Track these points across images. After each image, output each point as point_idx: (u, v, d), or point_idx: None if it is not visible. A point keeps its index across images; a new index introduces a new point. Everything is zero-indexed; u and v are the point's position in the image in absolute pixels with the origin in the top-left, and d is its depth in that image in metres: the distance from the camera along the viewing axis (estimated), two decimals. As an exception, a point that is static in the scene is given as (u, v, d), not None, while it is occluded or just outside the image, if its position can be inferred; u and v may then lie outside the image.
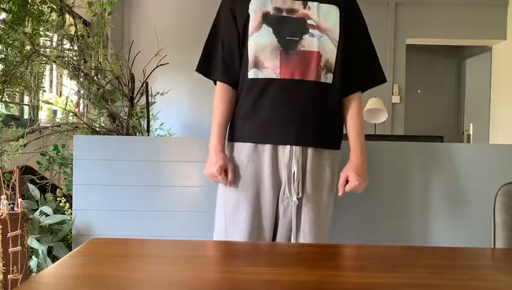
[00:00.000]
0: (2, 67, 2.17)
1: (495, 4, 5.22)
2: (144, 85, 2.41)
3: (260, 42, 1.41)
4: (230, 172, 1.45)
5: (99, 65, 2.31)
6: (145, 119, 2.41)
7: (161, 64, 2.47)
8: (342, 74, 1.46)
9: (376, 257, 0.95)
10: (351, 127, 1.51)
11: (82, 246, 0.97)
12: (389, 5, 5.29)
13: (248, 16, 1.44)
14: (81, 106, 2.90)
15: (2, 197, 1.78)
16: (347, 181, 1.46)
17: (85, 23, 2.69)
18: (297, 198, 1.42)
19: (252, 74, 1.43)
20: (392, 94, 5.33)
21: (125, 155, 1.85)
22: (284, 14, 1.43)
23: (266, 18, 1.42)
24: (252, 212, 1.43)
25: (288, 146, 1.41)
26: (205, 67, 1.53)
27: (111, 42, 2.91)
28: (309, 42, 1.41)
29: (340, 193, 1.48)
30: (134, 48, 2.62)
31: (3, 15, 2.25)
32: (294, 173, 1.41)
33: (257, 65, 1.42)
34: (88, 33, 2.35)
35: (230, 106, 1.50)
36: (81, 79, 2.31)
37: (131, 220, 1.84)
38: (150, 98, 2.46)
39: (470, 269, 0.88)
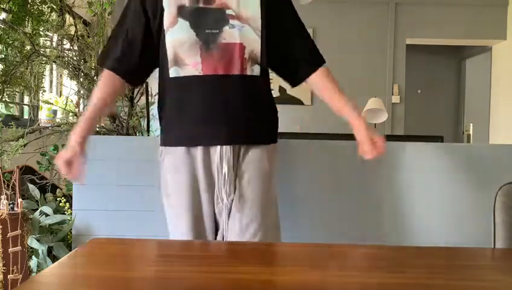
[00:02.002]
0: (2, 67, 2.17)
1: (495, 4, 5.23)
2: (144, 85, 2.41)
3: (177, 38, 1.31)
4: (75, 166, 1.29)
5: (99, 65, 2.31)
6: (145, 119, 2.41)
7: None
8: (270, 63, 1.40)
9: (375, 257, 0.95)
10: (334, 100, 1.41)
11: (82, 246, 0.97)
12: (389, 5, 5.29)
13: (163, 10, 1.33)
14: (81, 106, 2.90)
15: (2, 197, 1.78)
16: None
17: (85, 23, 2.69)
18: (230, 199, 1.35)
19: (173, 72, 1.34)
20: (392, 94, 5.33)
21: (125, 155, 1.85)
22: (201, 5, 1.32)
23: (181, 11, 1.31)
24: (193, 219, 1.35)
25: (219, 146, 1.34)
26: (102, 58, 1.41)
27: (111, 42, 2.90)
28: (230, 34, 1.31)
29: (371, 157, 1.32)
30: (134, 48, 2.61)
31: (3, 15, 2.25)
32: (225, 173, 1.33)
33: (177, 63, 1.33)
34: (88, 33, 2.36)
35: (112, 94, 1.40)
36: (81, 79, 2.31)
37: (131, 220, 1.84)
38: (150, 98, 2.46)
39: (469, 269, 0.88)
